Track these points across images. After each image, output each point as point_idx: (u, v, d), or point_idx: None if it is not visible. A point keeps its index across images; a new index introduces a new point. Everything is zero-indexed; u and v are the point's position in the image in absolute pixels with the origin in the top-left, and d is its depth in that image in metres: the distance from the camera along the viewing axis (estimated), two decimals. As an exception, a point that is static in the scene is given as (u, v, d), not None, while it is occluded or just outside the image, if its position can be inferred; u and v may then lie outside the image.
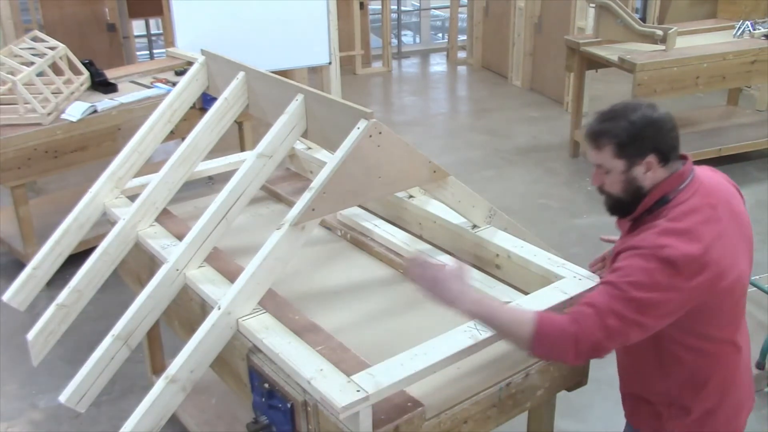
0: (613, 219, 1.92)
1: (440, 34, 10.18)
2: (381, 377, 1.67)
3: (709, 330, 1.80)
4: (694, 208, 1.73)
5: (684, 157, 1.82)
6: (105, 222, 2.70)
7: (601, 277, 2.05)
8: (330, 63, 5.61)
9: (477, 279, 2.24)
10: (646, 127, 1.73)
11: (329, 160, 1.97)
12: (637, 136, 1.73)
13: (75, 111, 3.92)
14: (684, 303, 1.69)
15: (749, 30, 5.42)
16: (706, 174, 1.86)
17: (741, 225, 1.82)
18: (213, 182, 3.75)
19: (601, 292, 1.70)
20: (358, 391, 1.63)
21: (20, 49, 4.04)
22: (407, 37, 10.07)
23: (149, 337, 3.00)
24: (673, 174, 1.77)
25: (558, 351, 1.70)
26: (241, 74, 2.51)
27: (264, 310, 2.01)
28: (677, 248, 1.65)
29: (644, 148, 1.74)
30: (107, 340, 2.16)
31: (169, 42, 5.43)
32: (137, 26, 7.70)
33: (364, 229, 2.59)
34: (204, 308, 2.17)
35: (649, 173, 1.76)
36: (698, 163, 1.90)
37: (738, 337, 1.87)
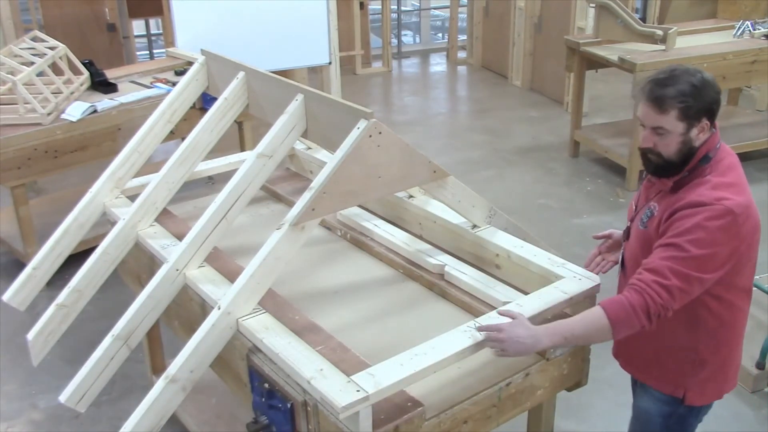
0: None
1: (440, 34, 10.18)
2: (381, 377, 1.67)
3: (739, 280, 1.91)
4: (732, 164, 1.89)
5: None
6: (105, 222, 2.70)
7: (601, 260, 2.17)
8: (330, 63, 5.61)
9: (477, 279, 2.24)
10: (705, 89, 1.82)
11: (329, 160, 1.97)
12: (699, 98, 1.81)
13: (75, 111, 3.92)
14: (736, 251, 1.82)
15: (749, 30, 5.42)
16: None
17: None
18: (213, 182, 3.76)
19: (663, 256, 1.79)
20: (358, 391, 1.63)
21: (20, 49, 4.04)
22: (407, 37, 10.07)
23: (149, 337, 3.00)
24: (713, 134, 1.88)
25: (634, 325, 1.80)
26: (241, 74, 2.51)
27: (264, 310, 2.01)
28: (733, 199, 1.79)
29: (702, 110, 1.83)
30: (107, 340, 2.16)
31: (169, 42, 5.43)
32: (137, 26, 7.70)
33: (364, 229, 2.60)
34: (204, 308, 2.17)
35: (701, 134, 1.85)
36: None
37: (749, 289, 1.99)
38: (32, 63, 3.92)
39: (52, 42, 4.17)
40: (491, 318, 1.88)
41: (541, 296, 2.01)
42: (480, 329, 1.82)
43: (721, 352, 1.98)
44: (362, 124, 1.96)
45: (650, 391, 2.07)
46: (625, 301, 1.79)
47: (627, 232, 2.07)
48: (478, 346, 1.81)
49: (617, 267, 2.16)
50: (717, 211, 1.77)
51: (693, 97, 1.80)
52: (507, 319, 1.84)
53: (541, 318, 1.96)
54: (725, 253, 1.79)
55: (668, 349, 1.99)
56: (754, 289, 3.52)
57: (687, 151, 1.85)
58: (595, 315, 1.82)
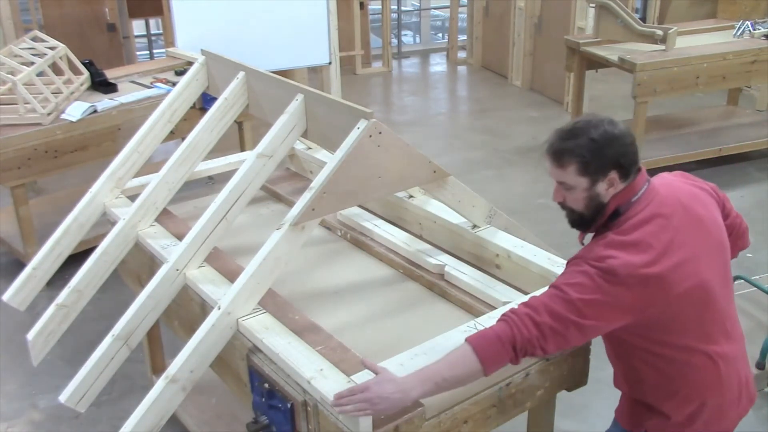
0: None
1: (440, 34, 10.18)
2: (381, 377, 1.67)
3: (669, 338, 1.78)
4: (644, 219, 1.74)
5: (638, 170, 1.80)
6: (105, 222, 2.70)
7: None
8: (330, 63, 5.61)
9: (477, 279, 2.24)
10: (608, 143, 1.72)
11: (329, 160, 1.97)
12: (599, 153, 1.72)
13: (75, 111, 3.92)
14: (627, 312, 1.69)
15: (749, 30, 5.41)
16: (666, 181, 1.86)
17: (705, 231, 1.81)
18: (213, 182, 3.75)
19: (541, 294, 1.72)
20: (358, 391, 1.63)
21: (20, 49, 4.04)
22: (407, 37, 10.07)
23: (149, 337, 3.00)
24: (625, 187, 1.76)
25: (502, 358, 1.69)
26: (241, 74, 2.51)
27: (264, 310, 2.01)
28: (619, 258, 1.66)
29: (607, 164, 1.73)
30: (107, 340, 2.16)
31: (169, 42, 5.43)
32: (137, 26, 7.70)
33: (364, 229, 2.60)
34: (204, 308, 2.17)
35: (610, 189, 1.75)
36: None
37: (711, 347, 1.83)
38: (32, 63, 3.92)
39: (52, 42, 4.17)
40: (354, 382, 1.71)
41: (541, 296, 2.01)
42: (339, 397, 1.62)
43: (688, 405, 1.85)
44: (362, 124, 1.96)
45: (614, 420, 2.03)
46: (492, 334, 1.68)
47: None
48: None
49: None
50: (597, 267, 1.67)
51: (592, 152, 1.71)
52: (368, 378, 1.68)
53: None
54: (615, 308, 1.68)
55: (628, 390, 1.94)
56: (754, 289, 3.54)
57: (596, 206, 1.77)
58: (463, 353, 1.68)
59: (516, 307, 1.72)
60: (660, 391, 1.85)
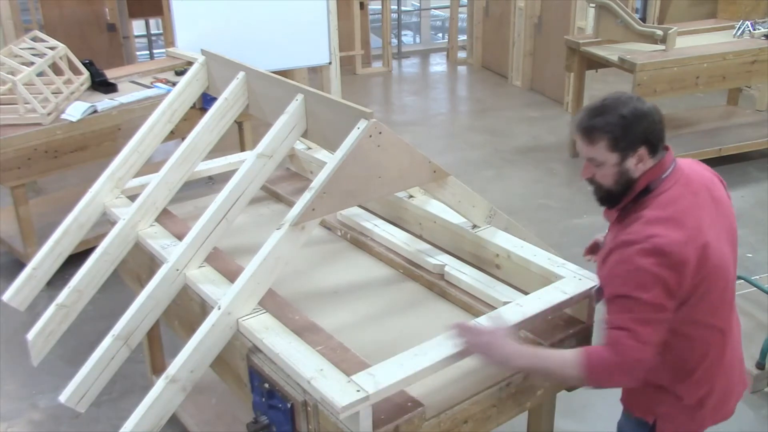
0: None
1: (440, 34, 10.18)
2: (381, 377, 1.67)
3: (696, 315, 1.83)
4: (676, 196, 1.80)
5: (666, 148, 1.85)
6: (105, 222, 2.70)
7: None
8: (330, 63, 5.61)
9: (477, 279, 2.24)
10: (637, 119, 1.77)
11: (329, 160, 1.97)
12: (629, 129, 1.76)
13: (75, 111, 3.92)
14: (681, 286, 1.74)
15: (749, 30, 5.42)
16: (687, 163, 1.92)
17: (723, 213, 1.88)
18: (213, 182, 3.76)
19: (620, 309, 1.74)
20: (358, 391, 1.63)
21: (20, 49, 4.04)
22: (407, 37, 10.07)
23: (149, 337, 3.00)
24: (656, 164, 1.82)
25: (613, 383, 1.80)
26: (241, 74, 2.51)
27: (264, 310, 2.01)
28: (664, 236, 1.72)
29: (636, 140, 1.77)
30: (107, 340, 2.16)
31: (169, 42, 5.43)
32: (137, 26, 7.70)
33: (364, 229, 2.60)
34: (204, 308, 2.17)
35: (639, 164, 1.80)
36: (698, 163, 1.92)
37: (725, 324, 1.91)
38: (32, 63, 3.92)
39: (52, 42, 4.17)
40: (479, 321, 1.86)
41: (541, 296, 2.01)
42: (462, 329, 1.79)
43: (700, 387, 1.90)
44: (362, 124, 1.96)
45: (624, 410, 2.05)
46: (604, 359, 1.74)
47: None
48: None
49: None
50: (646, 251, 1.71)
51: (621, 128, 1.76)
52: (496, 329, 1.81)
53: (542, 316, 1.97)
54: (677, 286, 1.73)
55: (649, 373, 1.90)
56: (754, 289, 3.55)
57: (625, 182, 1.81)
58: (570, 360, 1.76)
59: (609, 333, 1.74)
60: (677, 372, 1.89)
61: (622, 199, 1.84)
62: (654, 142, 1.79)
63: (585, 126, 1.80)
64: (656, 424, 1.94)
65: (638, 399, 1.97)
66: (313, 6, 5.28)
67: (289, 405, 1.81)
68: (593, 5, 5.47)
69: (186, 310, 2.32)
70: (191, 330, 2.01)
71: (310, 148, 3.03)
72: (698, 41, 5.35)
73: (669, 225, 1.74)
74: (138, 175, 2.77)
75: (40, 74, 3.94)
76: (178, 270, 2.19)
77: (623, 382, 1.83)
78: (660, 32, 5.11)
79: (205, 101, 3.62)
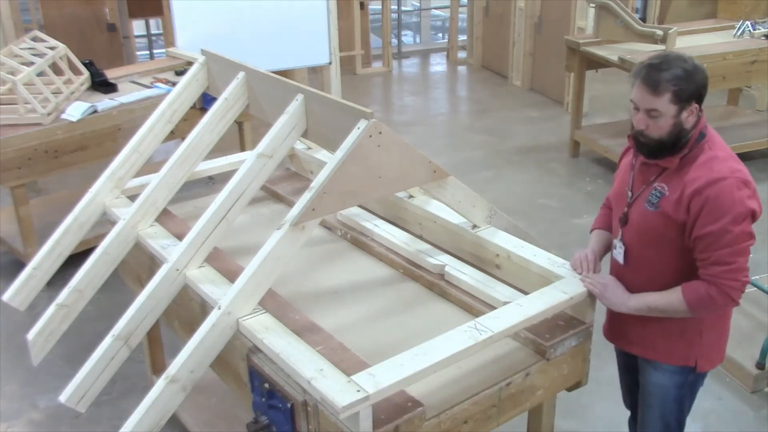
0: None
1: (440, 34, 10.18)
2: (381, 377, 1.67)
3: None
4: (719, 138, 2.06)
5: None
6: (105, 222, 2.70)
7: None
8: (330, 63, 5.61)
9: (477, 279, 2.24)
10: (696, 74, 1.94)
11: (329, 160, 1.97)
12: (690, 82, 1.92)
13: (75, 111, 3.92)
14: (758, 213, 1.98)
15: (749, 30, 5.41)
16: None
17: None
18: (213, 182, 3.75)
19: (717, 245, 1.93)
20: (358, 391, 1.63)
21: (20, 49, 4.04)
22: (407, 37, 10.07)
23: (149, 337, 3.00)
24: (701, 116, 2.01)
25: (716, 309, 2.02)
26: (241, 74, 2.51)
27: (264, 310, 2.01)
28: (742, 170, 1.97)
29: (693, 95, 1.94)
30: (107, 340, 2.16)
31: (169, 42, 5.43)
32: (137, 26, 7.70)
33: (364, 229, 2.59)
34: (204, 308, 2.17)
35: (690, 117, 1.96)
36: None
37: None
38: (32, 63, 3.92)
39: (52, 42, 4.17)
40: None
41: (541, 296, 2.01)
42: (583, 268, 2.11)
43: (722, 316, 2.13)
44: (362, 124, 1.95)
45: (661, 366, 2.16)
46: (704, 293, 1.96)
47: (625, 218, 2.12)
48: (478, 346, 1.81)
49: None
50: (737, 183, 1.92)
51: (685, 81, 1.91)
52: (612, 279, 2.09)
53: (542, 317, 1.97)
54: (758, 211, 1.95)
55: (677, 324, 2.09)
56: (754, 289, 3.54)
57: (677, 133, 1.96)
58: (675, 300, 1.99)
59: (709, 268, 1.96)
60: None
61: (671, 149, 1.98)
62: (703, 96, 1.98)
63: (653, 78, 1.91)
64: (697, 364, 2.14)
65: (679, 347, 2.12)
66: (313, 6, 5.28)
67: (289, 405, 1.81)
68: (593, 5, 5.47)
69: (186, 310, 2.32)
70: (191, 330, 2.01)
71: (310, 148, 3.03)
72: (698, 41, 5.35)
73: (736, 160, 1.99)
74: (138, 175, 2.77)
75: (40, 74, 3.94)
76: (178, 270, 2.19)
77: (727, 309, 2.07)
78: (660, 32, 5.11)
79: (205, 101, 3.62)
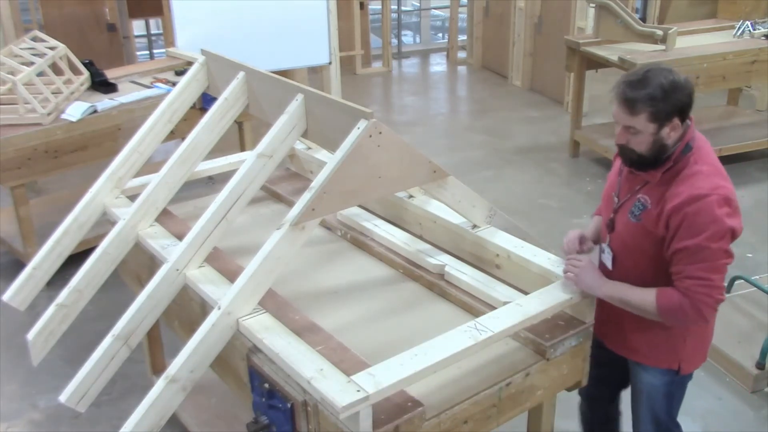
0: None
1: (440, 34, 10.18)
2: (381, 377, 1.67)
3: None
4: (709, 150, 2.03)
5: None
6: (105, 222, 2.70)
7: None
8: (330, 63, 5.61)
9: (477, 279, 2.24)
10: (674, 91, 1.91)
11: (329, 160, 1.97)
12: (668, 101, 1.90)
13: (75, 111, 3.92)
14: (738, 231, 1.95)
15: (749, 30, 5.41)
16: None
17: None
18: (213, 182, 3.75)
19: (693, 259, 1.92)
20: (358, 391, 1.63)
21: (20, 49, 4.04)
22: (407, 37, 10.07)
23: (149, 337, 3.00)
24: (688, 127, 1.99)
25: (686, 322, 2.01)
26: (241, 74, 2.51)
27: (264, 310, 2.01)
28: (727, 186, 1.95)
29: (673, 111, 1.92)
30: (107, 340, 2.16)
31: (169, 42, 5.43)
32: (137, 26, 7.70)
33: (364, 229, 2.60)
34: (204, 308, 2.17)
35: (672, 133, 1.95)
36: None
37: None
38: (32, 63, 3.92)
39: (52, 42, 4.17)
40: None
41: (541, 296, 2.01)
42: (567, 253, 2.14)
43: (710, 323, 2.12)
44: (362, 124, 1.95)
45: (649, 369, 2.21)
46: (677, 302, 1.94)
47: (611, 224, 2.14)
48: (478, 346, 1.81)
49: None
50: (718, 201, 1.90)
51: (662, 100, 1.89)
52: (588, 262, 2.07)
53: (542, 317, 1.98)
54: (738, 230, 1.94)
55: (662, 331, 2.11)
56: (754, 289, 3.54)
57: (658, 148, 1.95)
58: (648, 299, 1.98)
59: (684, 282, 1.94)
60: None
61: (653, 163, 1.98)
62: (686, 112, 1.95)
63: (628, 97, 1.91)
64: (680, 367, 2.17)
65: (666, 351, 2.15)
66: (313, 6, 5.28)
67: (289, 405, 1.81)
68: (593, 5, 5.47)
69: (186, 310, 2.32)
70: (191, 330, 2.01)
71: (310, 148, 3.03)
72: (698, 41, 5.35)
73: (722, 176, 1.96)
74: (138, 175, 2.77)
75: (40, 74, 3.94)
76: (178, 270, 2.19)
77: (697, 324, 2.03)
78: (660, 32, 5.11)
79: (205, 101, 3.62)
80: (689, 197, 1.91)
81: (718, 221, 1.89)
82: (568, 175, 5.56)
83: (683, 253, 1.93)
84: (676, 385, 2.24)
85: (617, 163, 2.21)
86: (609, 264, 2.16)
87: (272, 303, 2.08)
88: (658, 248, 2.00)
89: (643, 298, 1.99)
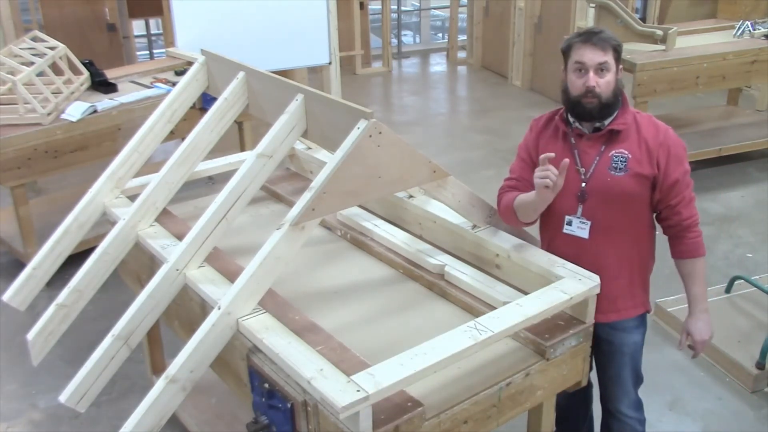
0: None
1: (440, 34, 10.19)
2: (381, 377, 1.67)
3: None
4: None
5: None
6: (105, 222, 2.70)
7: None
8: (330, 63, 5.61)
9: (477, 279, 2.24)
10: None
11: (329, 160, 1.97)
12: (619, 44, 2.16)
13: (75, 111, 3.92)
14: None
15: (749, 30, 5.41)
16: None
17: None
18: (213, 182, 3.76)
19: (686, 182, 2.18)
20: (358, 391, 1.63)
21: (20, 49, 4.04)
22: (407, 37, 10.08)
23: (149, 337, 3.00)
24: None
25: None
26: (241, 74, 2.51)
27: (264, 310, 2.01)
28: (669, 128, 2.23)
29: (620, 55, 2.18)
30: (107, 340, 2.16)
31: (169, 42, 5.43)
32: (137, 26, 7.70)
33: (364, 229, 2.60)
34: (204, 308, 2.17)
35: (618, 77, 2.17)
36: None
37: None
38: (32, 63, 3.92)
39: (52, 42, 4.17)
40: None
41: (541, 296, 2.01)
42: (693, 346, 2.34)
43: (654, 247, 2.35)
44: (362, 124, 1.95)
45: (628, 325, 2.30)
46: (701, 241, 2.24)
47: (583, 195, 2.19)
48: (478, 346, 1.81)
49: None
50: (676, 139, 2.21)
51: (617, 42, 2.15)
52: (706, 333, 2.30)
53: (542, 317, 1.98)
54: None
55: (639, 276, 2.29)
56: (754, 289, 3.54)
57: (615, 91, 2.15)
58: (701, 265, 2.25)
59: (691, 221, 2.21)
60: (652, 240, 2.32)
61: (612, 110, 2.16)
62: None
63: (599, 37, 2.12)
64: (649, 305, 2.35)
65: (641, 293, 2.30)
66: (313, 6, 5.28)
67: (289, 405, 1.81)
68: (593, 5, 5.47)
69: (186, 310, 2.32)
70: (191, 330, 2.01)
71: (310, 148, 3.03)
72: (698, 41, 5.34)
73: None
74: (138, 175, 2.77)
75: (40, 74, 3.94)
76: (178, 270, 2.19)
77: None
78: (660, 32, 5.11)
79: (205, 101, 3.62)
80: (663, 133, 2.17)
81: (683, 144, 2.19)
82: (568, 175, 5.56)
83: (680, 181, 2.16)
84: (645, 328, 2.38)
85: (554, 147, 2.22)
86: (585, 234, 2.21)
87: (272, 303, 2.08)
88: (650, 189, 2.17)
89: (702, 270, 2.26)
